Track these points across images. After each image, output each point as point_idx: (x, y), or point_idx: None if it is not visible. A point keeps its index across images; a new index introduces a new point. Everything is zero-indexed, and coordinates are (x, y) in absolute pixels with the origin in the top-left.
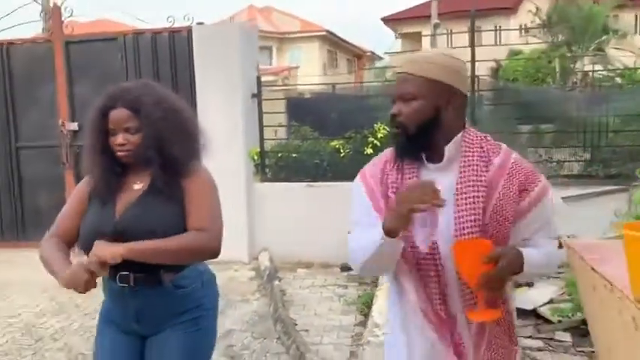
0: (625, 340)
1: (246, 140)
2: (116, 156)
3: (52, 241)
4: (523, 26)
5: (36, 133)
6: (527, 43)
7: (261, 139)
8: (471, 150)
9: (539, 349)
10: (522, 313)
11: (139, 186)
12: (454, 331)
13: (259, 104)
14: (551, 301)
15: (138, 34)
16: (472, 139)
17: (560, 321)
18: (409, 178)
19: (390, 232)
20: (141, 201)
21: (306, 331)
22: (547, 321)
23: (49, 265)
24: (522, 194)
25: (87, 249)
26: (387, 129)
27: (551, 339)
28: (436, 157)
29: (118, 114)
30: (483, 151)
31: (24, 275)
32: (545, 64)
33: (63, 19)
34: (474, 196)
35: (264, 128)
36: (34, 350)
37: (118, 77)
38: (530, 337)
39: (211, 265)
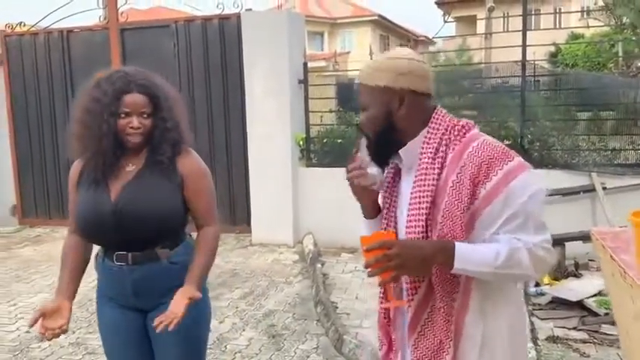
0: (637, 324)
1: (293, 125)
2: (120, 138)
3: (70, 240)
4: (584, 8)
5: None
6: (589, 26)
7: (307, 125)
8: (428, 147)
9: (584, 342)
10: (566, 304)
11: (131, 167)
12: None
13: (305, 90)
14: (599, 293)
15: (189, 21)
16: (434, 133)
17: (607, 314)
18: (386, 178)
19: (364, 214)
20: (137, 180)
21: (347, 314)
22: (593, 313)
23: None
24: (475, 189)
25: (85, 233)
26: None
27: (596, 332)
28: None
29: (135, 98)
30: (442, 146)
31: None
32: (607, 49)
33: (118, 7)
34: (419, 203)
35: (311, 113)
36: (88, 322)
37: (170, 63)
38: (574, 328)
39: (256, 246)
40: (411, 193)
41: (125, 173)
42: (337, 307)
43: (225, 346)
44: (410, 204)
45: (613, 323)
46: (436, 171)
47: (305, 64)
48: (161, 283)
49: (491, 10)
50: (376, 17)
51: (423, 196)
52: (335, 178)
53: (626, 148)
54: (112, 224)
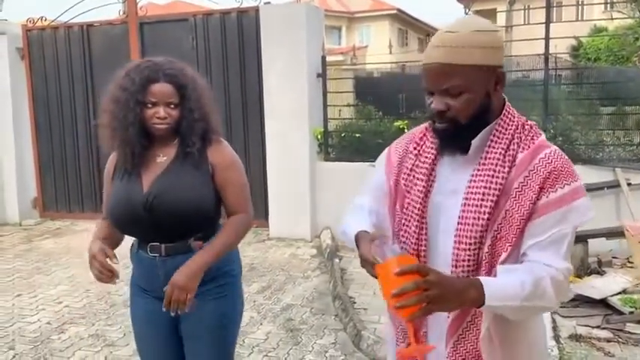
0: None
1: (311, 120)
2: (147, 128)
3: (103, 222)
4: (608, 0)
5: None
6: (612, 19)
7: (325, 119)
8: (499, 142)
9: (608, 341)
10: (590, 302)
11: (162, 159)
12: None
13: (324, 84)
14: (623, 292)
15: (208, 14)
16: (505, 127)
17: (632, 312)
18: (420, 168)
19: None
20: (169, 171)
21: (365, 309)
22: (617, 311)
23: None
24: (539, 196)
25: (118, 224)
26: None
27: (620, 330)
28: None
29: (162, 88)
30: (513, 144)
31: None
32: (631, 42)
33: (138, 1)
34: (481, 200)
35: (329, 108)
36: (107, 315)
37: (188, 56)
38: (598, 327)
39: (274, 241)
40: (469, 188)
41: (156, 164)
42: (355, 302)
43: (244, 340)
44: (466, 199)
45: (638, 322)
46: (506, 169)
47: (323, 58)
48: None
49: (512, 2)
50: (395, 11)
51: (488, 194)
52: (353, 173)
53: None
54: (143, 215)
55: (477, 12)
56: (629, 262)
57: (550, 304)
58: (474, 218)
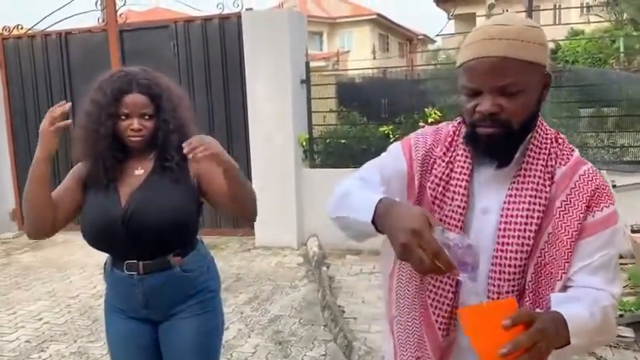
0: None
1: (295, 126)
2: (121, 141)
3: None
4: (584, 4)
5: None
6: (589, 22)
7: (310, 125)
8: (537, 156)
9: None
10: None
11: (139, 171)
12: None
13: (308, 90)
14: None
15: (189, 21)
16: (541, 141)
17: (622, 315)
18: (455, 180)
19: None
20: (147, 184)
21: (354, 318)
22: None
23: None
24: (587, 215)
25: (95, 239)
26: (439, 114)
27: None
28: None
29: (136, 99)
30: (551, 158)
31: (82, 258)
32: (608, 45)
33: (117, 8)
34: (525, 224)
35: (313, 114)
36: (90, 331)
37: (170, 63)
38: None
39: (260, 249)
40: (508, 208)
41: (134, 178)
42: (344, 312)
43: (231, 354)
44: (505, 221)
45: (629, 325)
46: (547, 187)
47: (307, 64)
48: (174, 292)
49: (491, 7)
50: (375, 16)
51: (532, 215)
52: (339, 179)
53: (636, 145)
54: (121, 231)
55: (457, 16)
56: (620, 264)
57: (612, 335)
58: (517, 244)
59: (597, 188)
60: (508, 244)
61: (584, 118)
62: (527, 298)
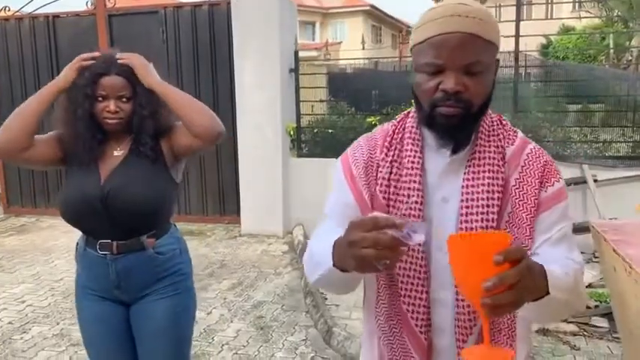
0: None
1: (283, 115)
2: (99, 122)
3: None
4: (576, 0)
5: None
6: (580, 18)
7: (298, 115)
8: (488, 137)
9: (574, 334)
10: None
11: (119, 152)
12: None
13: (296, 79)
14: (589, 286)
15: (178, 7)
16: (488, 123)
17: (597, 306)
18: (407, 176)
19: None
20: (125, 165)
21: (336, 305)
22: None
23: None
24: (540, 190)
25: (72, 216)
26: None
27: (586, 324)
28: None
29: (113, 81)
30: (499, 139)
31: (67, 242)
32: (599, 41)
33: None
34: (487, 206)
35: (302, 103)
36: (72, 313)
37: (158, 50)
38: (565, 321)
39: (245, 237)
40: (467, 193)
41: (113, 158)
42: (326, 299)
43: (213, 338)
44: (467, 207)
45: (603, 315)
46: (502, 167)
47: (296, 53)
48: (146, 274)
49: (482, 1)
50: (368, 7)
51: (492, 197)
52: (325, 168)
53: (618, 141)
54: (99, 208)
55: None
56: (594, 256)
57: (583, 300)
58: (481, 227)
59: (546, 164)
60: (471, 228)
61: (570, 114)
62: None
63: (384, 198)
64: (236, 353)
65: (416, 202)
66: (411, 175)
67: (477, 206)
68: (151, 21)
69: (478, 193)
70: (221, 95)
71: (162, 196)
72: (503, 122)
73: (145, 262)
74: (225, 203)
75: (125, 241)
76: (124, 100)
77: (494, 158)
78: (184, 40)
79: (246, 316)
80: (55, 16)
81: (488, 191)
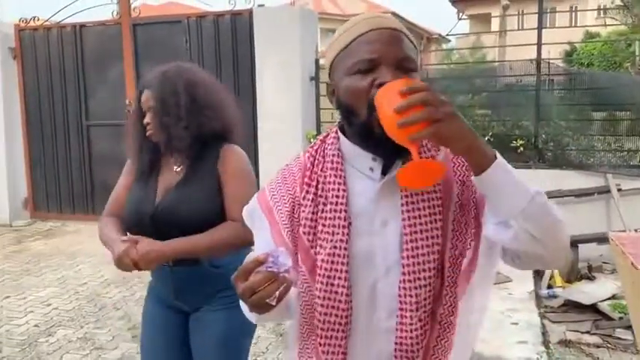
0: None
1: (304, 123)
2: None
3: (106, 220)
4: (601, 7)
5: (105, 111)
6: (605, 25)
7: (318, 122)
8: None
9: (597, 346)
10: (579, 307)
11: (179, 169)
12: None
13: (317, 87)
14: (613, 297)
15: (201, 16)
16: None
17: (621, 318)
18: (332, 212)
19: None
20: (179, 186)
21: None
22: (607, 317)
23: (107, 245)
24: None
25: (127, 228)
26: None
27: (610, 336)
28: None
29: (147, 94)
30: (427, 149)
31: (92, 246)
32: (624, 48)
33: (131, 2)
34: (430, 217)
35: (322, 111)
36: (96, 317)
37: (182, 58)
38: (587, 332)
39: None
40: (409, 212)
41: (172, 174)
42: None
43: None
44: (408, 224)
45: (627, 327)
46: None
47: (317, 61)
48: (202, 286)
49: (506, 7)
50: (389, 14)
51: (433, 212)
52: None
53: None
54: (150, 226)
55: (472, 16)
56: None
57: (560, 216)
58: (427, 245)
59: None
60: (417, 247)
61: (594, 122)
62: (447, 292)
63: (307, 240)
64: (256, 359)
65: (341, 241)
66: (335, 210)
67: (421, 223)
68: (174, 30)
69: (419, 209)
70: (243, 102)
71: (215, 215)
72: None
73: (200, 275)
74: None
75: None
76: (153, 110)
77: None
78: (207, 48)
79: (266, 322)
80: (82, 26)
81: (429, 206)
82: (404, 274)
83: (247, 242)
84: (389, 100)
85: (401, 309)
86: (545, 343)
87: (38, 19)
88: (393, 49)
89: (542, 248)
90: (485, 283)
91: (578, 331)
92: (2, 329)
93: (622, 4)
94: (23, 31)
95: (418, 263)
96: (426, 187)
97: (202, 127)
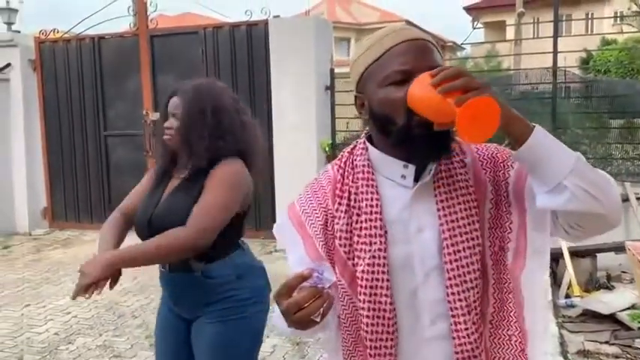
0: None
1: (319, 132)
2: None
3: (114, 217)
4: (617, 14)
5: (122, 122)
6: (622, 32)
7: (333, 131)
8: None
9: (616, 357)
10: (598, 317)
11: (179, 178)
12: None
13: (332, 96)
14: (632, 307)
15: (217, 27)
16: None
17: None
18: (368, 222)
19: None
20: (171, 194)
21: None
22: (626, 327)
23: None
24: (504, 168)
25: (138, 233)
26: None
27: (629, 346)
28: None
29: (174, 101)
30: (455, 153)
31: None
32: None
33: (148, 14)
34: (467, 219)
35: (337, 120)
36: (115, 326)
37: (198, 69)
38: (606, 342)
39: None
40: (445, 217)
41: (175, 180)
42: None
43: None
44: (447, 229)
45: None
46: (470, 180)
47: (332, 71)
48: (195, 295)
49: (521, 15)
50: (403, 23)
51: (470, 214)
52: None
53: None
54: (146, 230)
55: (486, 24)
56: None
57: (610, 180)
58: (469, 247)
59: (495, 148)
60: (458, 251)
61: (613, 130)
62: (493, 290)
63: (344, 252)
64: None
65: (379, 250)
66: (370, 220)
67: (459, 226)
68: (191, 41)
69: (456, 212)
70: (258, 112)
71: None
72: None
73: (193, 284)
74: (261, 218)
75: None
76: (177, 118)
77: (460, 173)
78: (223, 58)
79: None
80: (101, 37)
81: (466, 208)
82: (449, 278)
83: (192, 247)
84: (422, 85)
85: (453, 315)
86: (564, 353)
87: (58, 32)
88: (424, 60)
89: (600, 206)
90: (541, 257)
91: (596, 342)
92: (23, 337)
93: (638, 10)
94: (43, 43)
95: (462, 266)
96: (485, 138)
97: (220, 151)
